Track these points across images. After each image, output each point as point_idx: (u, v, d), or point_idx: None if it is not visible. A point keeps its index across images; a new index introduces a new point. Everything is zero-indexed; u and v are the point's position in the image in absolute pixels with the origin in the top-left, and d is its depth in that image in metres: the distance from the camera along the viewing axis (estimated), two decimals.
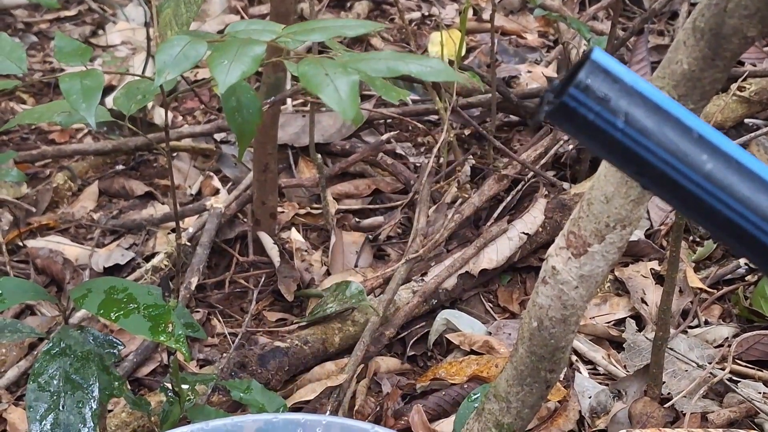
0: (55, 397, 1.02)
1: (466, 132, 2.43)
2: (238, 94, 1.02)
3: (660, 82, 0.82)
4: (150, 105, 2.61)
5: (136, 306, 1.04)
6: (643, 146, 0.55)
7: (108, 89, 2.63)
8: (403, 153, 2.42)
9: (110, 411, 1.51)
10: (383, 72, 0.85)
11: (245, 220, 2.15)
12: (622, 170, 0.61)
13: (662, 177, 0.55)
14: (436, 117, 2.43)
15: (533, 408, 1.08)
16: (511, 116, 2.48)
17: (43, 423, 1.00)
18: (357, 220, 2.23)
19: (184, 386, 1.19)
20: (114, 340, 1.12)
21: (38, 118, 1.07)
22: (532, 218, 2.06)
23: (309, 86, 0.82)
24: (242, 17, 3.09)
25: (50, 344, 1.07)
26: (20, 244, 2.08)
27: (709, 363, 1.77)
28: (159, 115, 2.57)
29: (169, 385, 1.20)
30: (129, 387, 1.68)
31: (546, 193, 2.14)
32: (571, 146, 2.25)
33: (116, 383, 1.08)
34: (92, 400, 1.02)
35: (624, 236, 0.92)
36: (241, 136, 1.04)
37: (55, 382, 1.02)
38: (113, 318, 1.03)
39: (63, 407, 1.01)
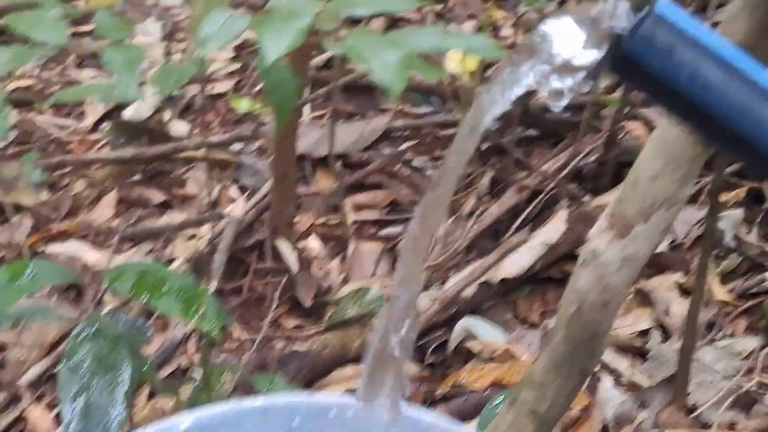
0: (86, 379, 1.01)
1: (484, 145, 2.43)
2: (275, 74, 1.02)
3: None
4: (166, 117, 2.61)
5: (168, 288, 1.03)
6: (707, 100, 0.54)
7: (122, 106, 2.64)
8: (420, 166, 2.41)
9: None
10: (429, 48, 0.85)
11: (262, 228, 2.14)
12: (685, 125, 0.59)
13: (727, 132, 0.54)
14: (453, 130, 2.43)
15: (569, 397, 1.06)
16: (530, 130, 2.47)
17: (74, 404, 0.99)
18: (374, 230, 2.22)
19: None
20: (144, 326, 1.12)
21: (78, 95, 1.07)
22: (554, 229, 2.04)
23: (358, 57, 0.82)
24: None
25: (82, 327, 1.06)
26: (40, 249, 2.07)
27: (736, 374, 1.75)
28: (175, 128, 2.58)
29: (196, 376, 1.19)
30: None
31: (567, 204, 2.13)
32: (591, 159, 2.24)
33: (145, 367, 1.07)
34: (123, 383, 1.01)
35: (670, 216, 0.91)
36: (278, 113, 1.05)
37: (86, 364, 1.01)
38: (145, 299, 1.02)
39: (94, 389, 1.00)
